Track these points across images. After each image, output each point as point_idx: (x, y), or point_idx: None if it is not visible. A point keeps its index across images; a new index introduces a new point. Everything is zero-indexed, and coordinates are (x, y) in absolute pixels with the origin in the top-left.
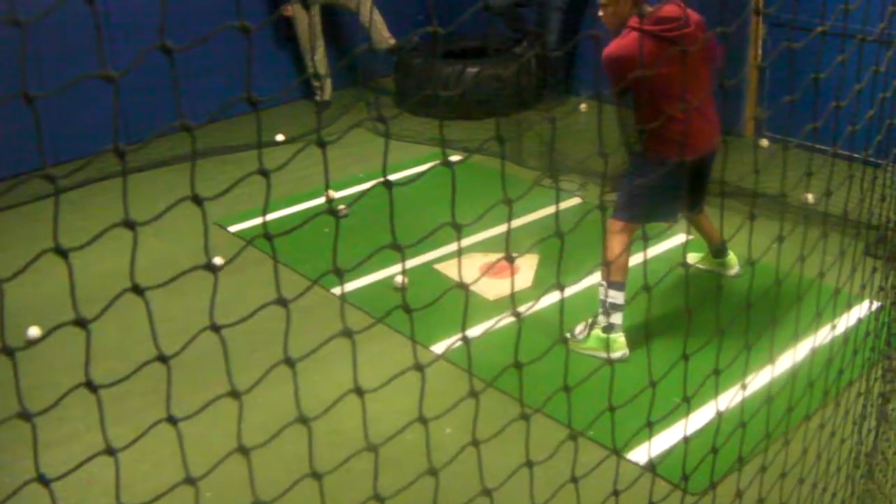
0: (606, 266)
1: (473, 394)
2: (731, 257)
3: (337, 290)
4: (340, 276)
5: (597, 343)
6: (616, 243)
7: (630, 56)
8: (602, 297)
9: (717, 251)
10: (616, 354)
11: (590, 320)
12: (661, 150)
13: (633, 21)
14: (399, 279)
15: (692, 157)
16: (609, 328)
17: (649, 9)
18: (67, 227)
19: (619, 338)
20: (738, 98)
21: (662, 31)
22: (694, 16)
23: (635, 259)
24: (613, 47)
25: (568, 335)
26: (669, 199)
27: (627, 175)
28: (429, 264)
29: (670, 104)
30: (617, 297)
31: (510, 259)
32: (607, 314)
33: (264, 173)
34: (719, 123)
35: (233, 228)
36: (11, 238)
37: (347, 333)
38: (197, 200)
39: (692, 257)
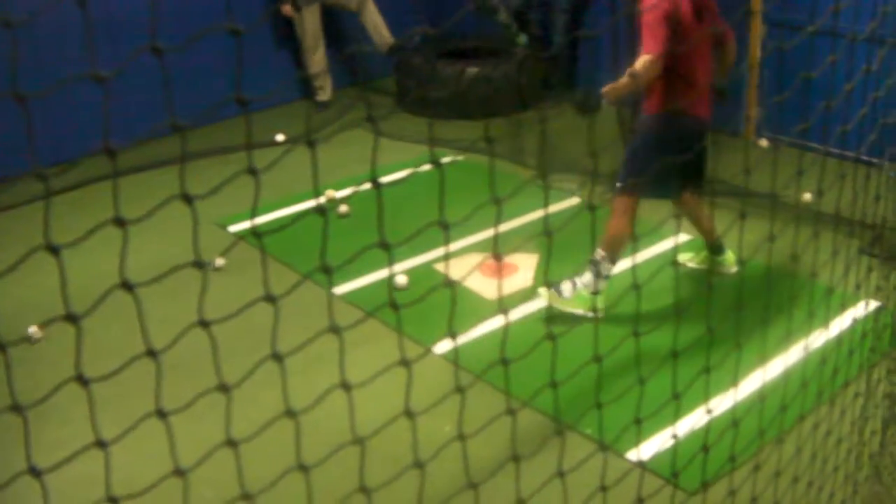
0: (608, 237)
1: (460, 389)
2: (730, 255)
3: (337, 290)
4: (329, 272)
5: (581, 302)
6: (621, 221)
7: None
8: (597, 259)
9: (716, 248)
10: (599, 314)
11: (575, 280)
12: (674, 106)
13: None
14: (399, 279)
15: (695, 113)
16: (596, 292)
17: None
18: (65, 228)
19: (601, 301)
20: (738, 98)
21: None
22: None
23: (628, 260)
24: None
25: (549, 289)
26: (671, 171)
27: (631, 143)
28: (429, 264)
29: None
30: (609, 268)
31: (498, 257)
32: (598, 279)
33: (253, 172)
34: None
35: (233, 228)
36: (9, 240)
37: (335, 330)
38: (187, 199)
39: (685, 257)
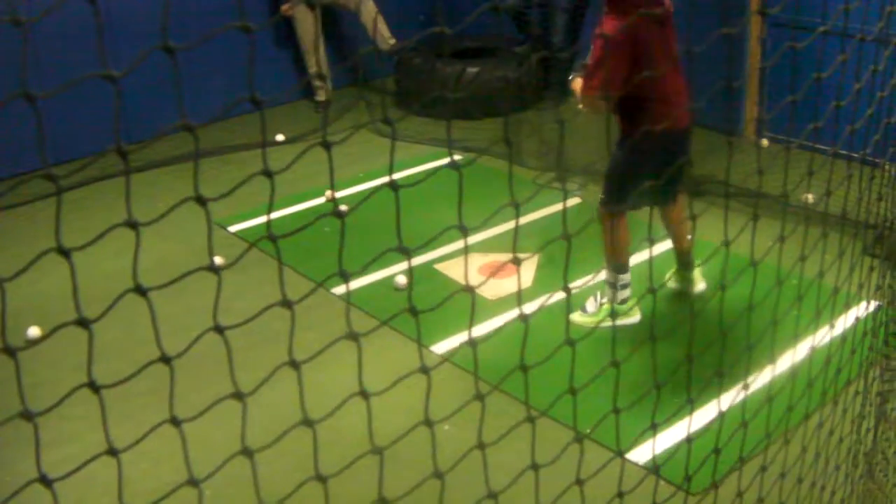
0: (608, 251)
1: (479, 397)
2: (696, 272)
3: (337, 290)
4: (346, 278)
5: (607, 314)
6: (613, 228)
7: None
8: (609, 280)
9: (686, 263)
10: (632, 319)
11: (598, 295)
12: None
13: None
14: (399, 280)
15: (673, 126)
16: (621, 303)
17: None
18: (69, 227)
19: (632, 305)
20: (739, 98)
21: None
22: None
23: (639, 257)
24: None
25: (579, 311)
26: (656, 179)
27: (611, 161)
28: (429, 264)
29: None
30: (623, 277)
31: (517, 262)
32: (616, 292)
33: (268, 174)
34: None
35: (233, 228)
36: (12, 238)
37: (353, 336)
38: (200, 201)
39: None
